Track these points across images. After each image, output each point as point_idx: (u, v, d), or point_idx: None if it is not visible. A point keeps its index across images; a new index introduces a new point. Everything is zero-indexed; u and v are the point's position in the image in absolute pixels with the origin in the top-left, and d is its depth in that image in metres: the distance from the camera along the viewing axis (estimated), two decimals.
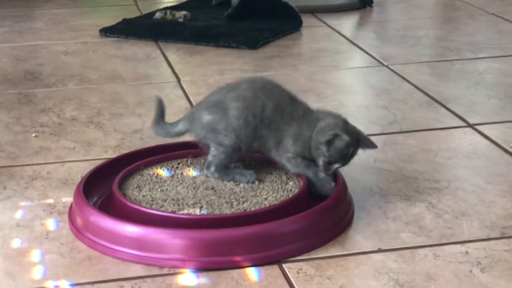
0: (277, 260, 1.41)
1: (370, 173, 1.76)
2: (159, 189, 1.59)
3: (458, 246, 1.45)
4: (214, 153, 1.61)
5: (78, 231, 1.50)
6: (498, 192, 1.66)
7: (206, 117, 1.61)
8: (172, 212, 1.50)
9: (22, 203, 1.64)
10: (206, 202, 1.54)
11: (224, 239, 1.42)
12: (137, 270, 1.39)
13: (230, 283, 1.35)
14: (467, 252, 1.43)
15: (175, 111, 2.03)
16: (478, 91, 2.29)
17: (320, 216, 1.49)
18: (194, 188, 1.60)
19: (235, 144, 1.59)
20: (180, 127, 1.68)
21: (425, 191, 1.67)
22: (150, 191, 1.59)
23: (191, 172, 1.66)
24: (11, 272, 1.39)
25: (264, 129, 1.58)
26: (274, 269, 1.39)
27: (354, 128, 1.58)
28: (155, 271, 1.38)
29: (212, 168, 1.61)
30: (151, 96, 2.27)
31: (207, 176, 1.63)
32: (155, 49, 2.74)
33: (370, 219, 1.56)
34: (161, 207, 1.53)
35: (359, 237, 1.50)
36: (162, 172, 1.66)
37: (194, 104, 2.12)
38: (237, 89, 1.61)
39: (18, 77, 2.46)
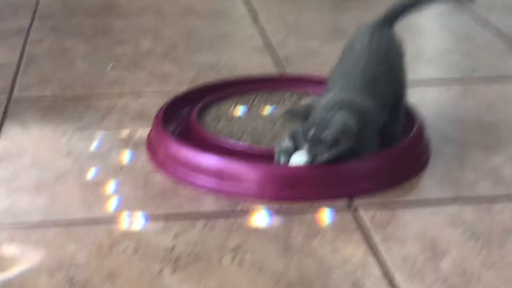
0: (350, 196, 1.40)
1: (448, 120, 1.72)
2: (236, 122, 1.59)
3: None
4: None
5: (157, 161, 1.51)
6: None
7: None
8: (251, 145, 1.51)
9: (99, 134, 1.65)
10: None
11: (300, 175, 1.41)
12: (211, 206, 1.39)
13: (303, 227, 1.34)
14: None
15: (250, 46, 2.01)
16: None
17: (394, 156, 1.47)
18: (271, 123, 1.59)
19: None
20: None
21: (505, 141, 1.62)
22: (228, 123, 1.59)
23: (268, 107, 1.66)
24: (86, 202, 1.40)
25: None
26: (347, 215, 1.37)
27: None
28: (228, 208, 1.38)
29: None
30: (227, 32, 2.26)
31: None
32: None
33: (447, 167, 1.52)
34: (239, 139, 1.52)
35: (435, 185, 1.47)
36: (239, 106, 1.66)
37: (270, 40, 2.10)
38: None
39: (96, 8, 2.46)
